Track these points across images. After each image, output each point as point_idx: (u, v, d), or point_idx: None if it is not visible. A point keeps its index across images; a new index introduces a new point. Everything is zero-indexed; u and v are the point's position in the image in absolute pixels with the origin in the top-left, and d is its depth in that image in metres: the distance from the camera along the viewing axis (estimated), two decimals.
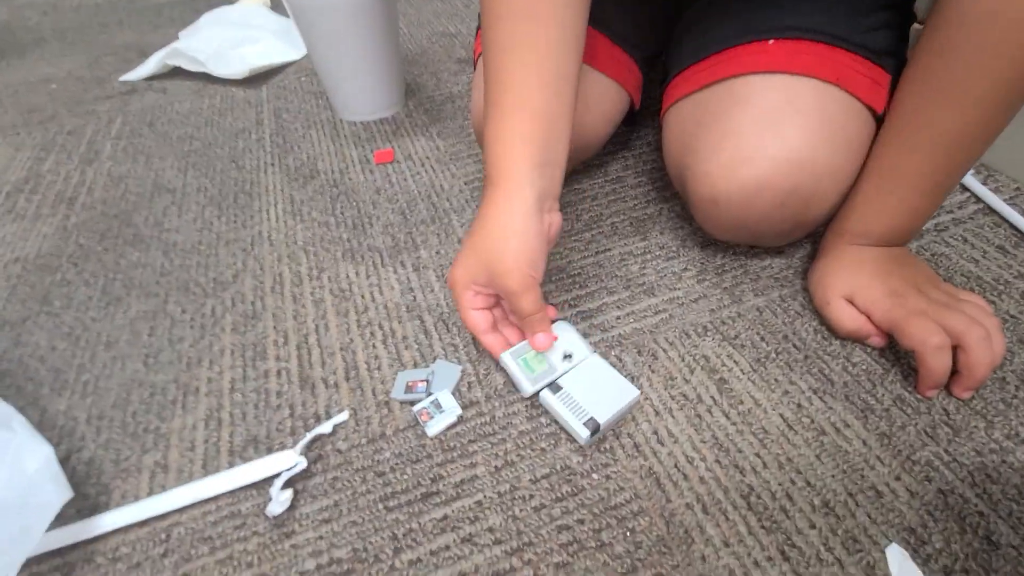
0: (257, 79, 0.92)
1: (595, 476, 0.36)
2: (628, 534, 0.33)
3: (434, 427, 0.39)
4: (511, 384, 0.42)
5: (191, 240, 0.60)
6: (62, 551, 0.35)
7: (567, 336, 0.43)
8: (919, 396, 0.40)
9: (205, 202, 0.66)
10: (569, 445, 0.38)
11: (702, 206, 0.45)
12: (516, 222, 0.38)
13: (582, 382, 0.39)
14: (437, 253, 0.55)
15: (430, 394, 0.41)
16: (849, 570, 0.31)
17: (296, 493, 0.37)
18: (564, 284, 0.50)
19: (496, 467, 0.37)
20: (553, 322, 0.43)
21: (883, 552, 0.32)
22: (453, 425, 0.40)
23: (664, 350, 0.44)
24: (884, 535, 0.33)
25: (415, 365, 0.44)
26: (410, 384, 0.42)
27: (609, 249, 0.54)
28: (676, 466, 0.37)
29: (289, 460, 0.37)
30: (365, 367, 0.45)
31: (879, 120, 0.43)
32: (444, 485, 0.37)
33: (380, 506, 0.36)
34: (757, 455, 0.37)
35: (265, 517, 0.35)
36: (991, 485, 0.35)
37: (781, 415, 0.39)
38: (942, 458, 0.36)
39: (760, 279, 0.50)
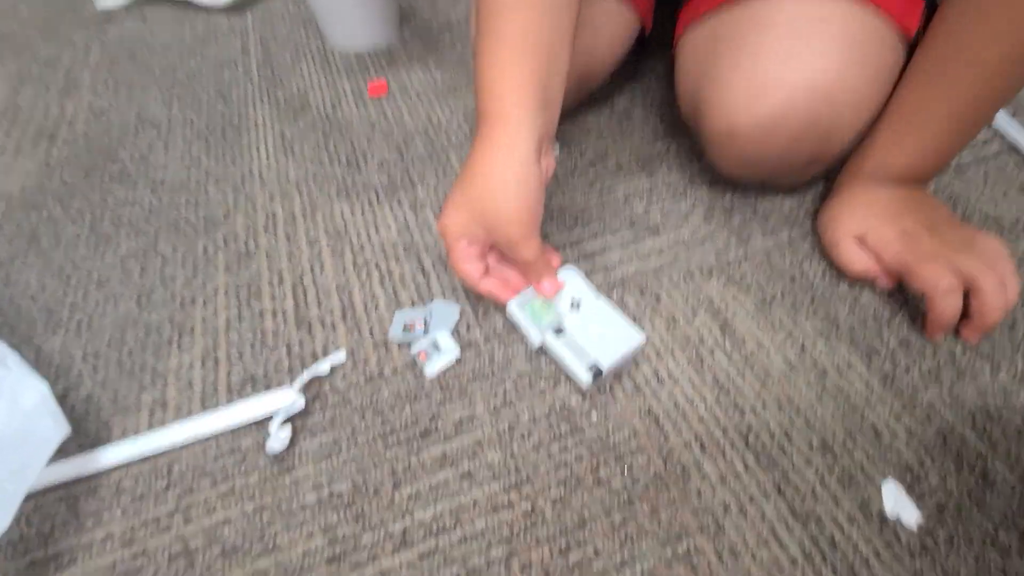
0: (241, 6, 0.86)
1: (594, 416, 0.36)
2: (625, 471, 0.34)
3: (432, 367, 0.39)
4: (510, 326, 0.41)
5: (179, 177, 0.58)
6: (66, 484, 0.35)
7: (574, 283, 0.41)
8: (926, 339, 0.39)
9: (192, 137, 0.63)
10: (568, 386, 0.38)
11: (717, 140, 0.43)
12: (515, 170, 0.36)
13: (586, 325, 0.38)
14: (435, 191, 0.53)
15: (428, 334, 0.41)
16: (844, 505, 0.32)
17: (295, 430, 0.37)
18: (566, 223, 0.49)
19: (495, 407, 0.37)
20: (559, 268, 0.42)
21: (878, 488, 0.32)
22: (452, 365, 0.39)
23: (667, 292, 0.43)
24: (880, 473, 0.33)
25: (413, 305, 0.44)
26: (408, 324, 0.42)
27: (614, 188, 0.51)
28: (675, 406, 0.36)
29: (287, 398, 0.37)
30: (362, 307, 0.44)
31: (911, 47, 0.40)
32: (443, 423, 0.37)
33: (379, 443, 0.36)
34: (758, 396, 0.37)
35: (265, 453, 0.36)
36: (992, 426, 0.34)
37: (784, 356, 0.39)
38: (944, 400, 0.36)
39: (769, 219, 0.48)
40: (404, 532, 0.32)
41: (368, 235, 0.50)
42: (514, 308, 0.40)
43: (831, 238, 0.43)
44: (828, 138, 0.41)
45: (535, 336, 0.38)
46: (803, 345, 0.39)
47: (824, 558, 0.30)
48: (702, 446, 0.35)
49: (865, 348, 0.39)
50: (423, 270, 0.46)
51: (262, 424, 0.37)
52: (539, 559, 0.31)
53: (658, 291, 0.43)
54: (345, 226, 0.51)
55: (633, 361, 0.39)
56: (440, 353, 0.39)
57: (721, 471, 0.33)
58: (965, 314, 0.37)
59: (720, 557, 0.30)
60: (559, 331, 0.38)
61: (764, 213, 0.49)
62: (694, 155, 0.54)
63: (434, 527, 0.32)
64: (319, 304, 0.45)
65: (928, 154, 0.41)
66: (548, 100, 0.37)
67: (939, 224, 0.41)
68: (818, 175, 0.48)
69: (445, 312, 0.42)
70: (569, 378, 0.38)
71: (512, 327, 0.41)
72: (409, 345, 0.41)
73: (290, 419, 0.37)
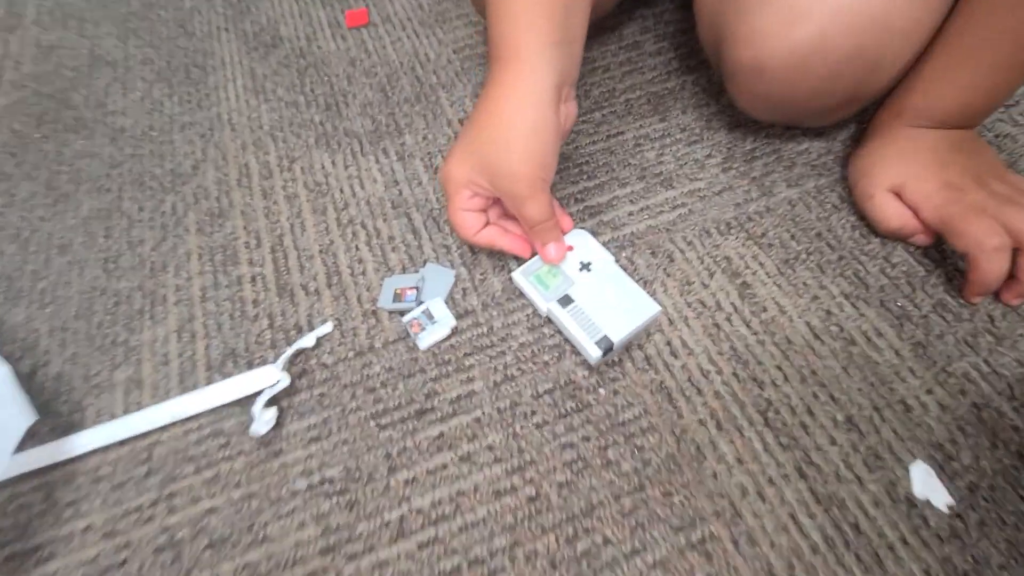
0: None
1: (602, 391, 0.34)
2: (636, 451, 0.32)
3: (426, 339, 0.36)
4: (510, 291, 0.38)
5: (141, 124, 0.52)
6: (41, 471, 0.33)
7: (585, 245, 0.37)
8: (963, 302, 0.36)
9: (152, 78, 0.56)
10: (574, 358, 0.35)
11: (742, 75, 0.37)
12: (528, 115, 0.31)
13: (596, 294, 0.35)
14: (424, 139, 0.48)
15: (421, 302, 0.37)
16: (869, 487, 0.30)
17: (281, 411, 0.34)
18: (569, 175, 0.44)
19: (495, 382, 0.34)
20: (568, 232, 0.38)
21: (906, 469, 0.30)
22: (447, 337, 0.36)
23: (681, 251, 0.39)
24: (909, 452, 0.31)
25: (403, 269, 0.40)
26: (398, 292, 0.38)
27: (622, 132, 0.46)
28: (690, 380, 0.34)
29: (271, 376, 0.34)
30: (348, 272, 0.40)
31: None
32: (439, 401, 0.34)
33: (372, 423, 0.33)
34: (778, 367, 0.34)
35: (250, 436, 0.33)
36: None
37: (808, 323, 0.36)
38: (980, 369, 0.33)
39: (794, 167, 0.43)
40: (401, 520, 0.30)
41: (352, 190, 0.45)
42: (519, 277, 0.36)
43: (864, 190, 0.39)
44: (873, 71, 0.35)
45: (542, 305, 0.35)
46: (829, 310, 0.36)
47: (847, 544, 0.28)
48: (718, 424, 0.32)
49: (896, 312, 0.36)
50: (413, 230, 0.42)
51: (246, 403, 0.34)
52: (545, 548, 0.29)
53: (671, 251, 0.39)
54: (327, 179, 0.46)
55: (646, 332, 0.36)
56: (434, 324, 0.36)
57: (738, 451, 0.31)
58: (1009, 275, 0.34)
59: (737, 544, 0.29)
60: (567, 301, 0.35)
61: (789, 159, 0.44)
62: (712, 93, 0.48)
63: (433, 515, 0.30)
64: (301, 269, 0.41)
65: (979, 91, 0.36)
66: (569, 38, 0.32)
67: (986, 173, 0.36)
68: (850, 117, 0.43)
69: (439, 278, 0.39)
70: (575, 349, 0.35)
71: (512, 293, 0.38)
72: (401, 315, 0.38)
73: (275, 399, 0.34)
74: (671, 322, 0.36)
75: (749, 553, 0.28)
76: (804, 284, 0.37)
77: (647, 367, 0.34)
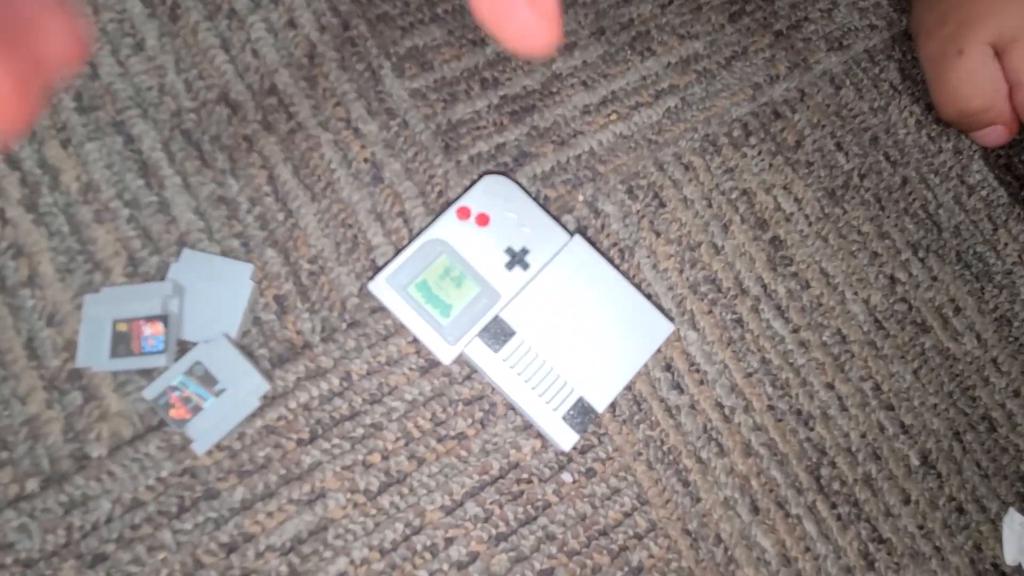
0: None
1: (566, 476, 0.19)
2: (634, 574, 0.19)
3: (208, 432, 0.17)
4: (372, 299, 0.19)
5: None
6: None
7: (508, 208, 0.19)
8: None
9: None
10: (512, 419, 0.19)
11: None
12: None
13: (555, 315, 0.18)
14: None
15: (178, 349, 0.18)
16: (950, 560, 0.20)
17: None
18: (463, 38, 0.22)
19: (368, 490, 0.18)
20: (480, 178, 0.19)
21: (994, 523, 0.21)
22: (253, 414, 0.18)
23: (675, 184, 0.23)
24: (996, 494, 0.21)
25: (125, 274, 0.19)
26: (124, 330, 0.17)
27: None
28: (706, 430, 0.20)
29: None
30: None
31: None
32: (257, 555, 0.17)
33: None
34: (830, 386, 0.21)
35: None
36: None
37: (866, 302, 0.23)
38: None
39: (836, 12, 0.26)
40: None
41: None
42: (381, 288, 0.18)
43: (949, 37, 0.24)
44: None
45: (440, 350, 0.18)
46: (893, 276, 0.23)
47: None
48: (754, 505, 0.20)
49: (976, 270, 0.24)
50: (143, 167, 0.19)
51: None
52: None
53: (660, 185, 0.22)
54: None
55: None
56: (222, 397, 0.17)
57: (783, 543, 0.20)
58: None
59: None
60: (497, 333, 0.18)
61: (826, 4, 0.26)
62: None
63: None
64: None
65: None
66: None
67: None
68: None
69: (217, 285, 0.18)
70: (509, 408, 0.19)
71: (378, 305, 0.19)
72: (141, 383, 0.18)
73: None
74: (671, 320, 0.21)
75: None
76: (860, 233, 0.23)
77: (638, 415, 0.20)
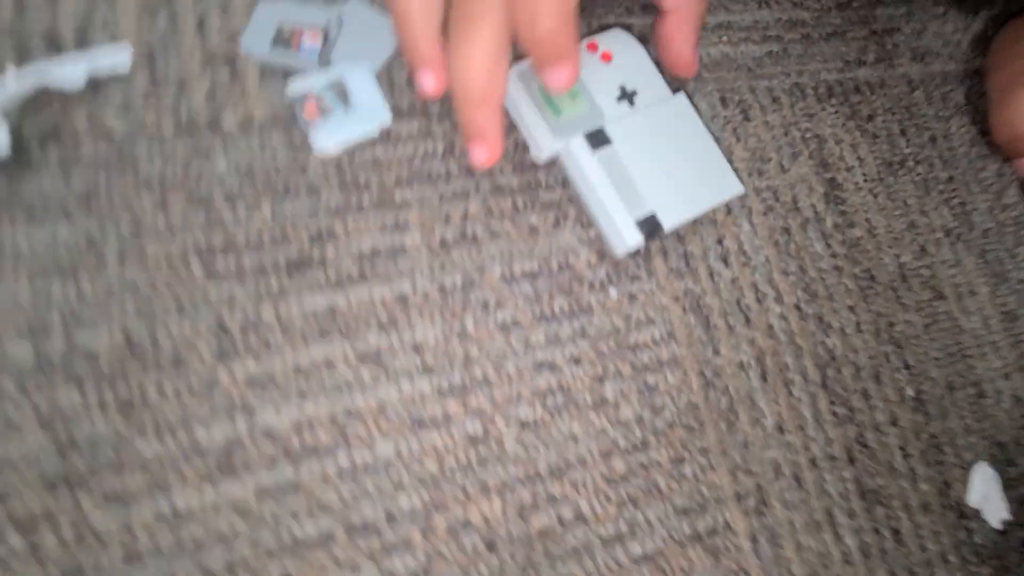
0: None
1: (612, 293, 0.21)
2: (645, 392, 0.20)
3: (329, 136, 0.19)
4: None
5: None
6: None
7: (629, 56, 0.22)
8: None
9: None
10: (581, 232, 0.21)
11: None
12: None
13: (648, 143, 0.21)
14: None
15: (328, 64, 0.20)
16: (921, 487, 0.22)
17: None
18: None
19: (443, 240, 0.20)
20: (599, 30, 0.21)
21: (965, 469, 0.23)
22: (371, 142, 0.20)
23: (762, 107, 0.26)
24: (972, 449, 0.23)
25: None
26: (286, 31, 0.20)
27: None
28: (739, 303, 0.22)
29: None
30: None
31: None
32: (336, 251, 0.19)
33: (195, 264, 0.18)
34: (851, 309, 0.24)
35: None
36: None
37: (898, 258, 0.25)
38: None
39: (925, 34, 0.30)
40: (230, 445, 0.16)
41: None
42: (515, 79, 0.20)
43: (1018, 70, 0.27)
44: None
45: (544, 141, 0.20)
46: (924, 247, 0.26)
47: (883, 554, 0.21)
48: (763, 373, 0.22)
49: (995, 268, 0.27)
50: None
51: None
52: (481, 519, 0.18)
53: (749, 104, 0.25)
54: None
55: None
56: (349, 111, 0.20)
57: (782, 415, 0.21)
58: None
59: (755, 543, 0.20)
60: (600, 141, 0.20)
61: (920, 22, 0.30)
62: None
63: (294, 443, 0.17)
64: None
65: None
66: None
67: None
68: None
69: (370, 30, 0.21)
70: (586, 219, 0.21)
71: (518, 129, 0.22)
72: (285, 77, 0.20)
73: None
74: (729, 211, 0.23)
75: (768, 556, 0.20)
76: (905, 203, 0.26)
77: (684, 270, 0.22)
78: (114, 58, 0.18)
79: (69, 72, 0.17)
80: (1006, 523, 0.23)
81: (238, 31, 0.20)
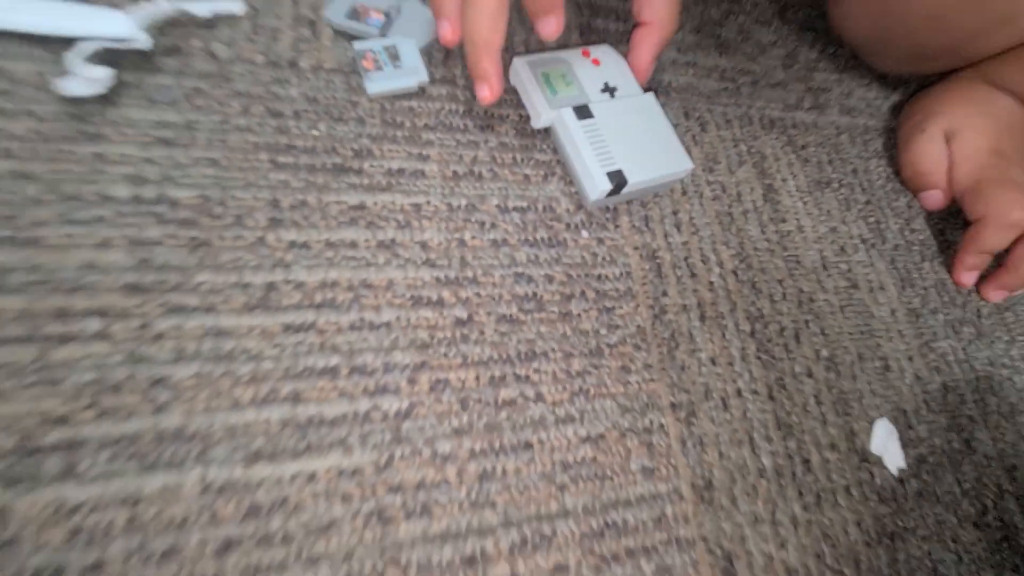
0: None
1: (584, 234, 0.26)
2: (604, 313, 0.25)
3: (380, 83, 0.25)
4: (506, 83, 0.28)
5: None
6: None
7: (613, 65, 0.28)
8: (959, 288, 0.33)
9: None
10: (563, 186, 0.27)
11: None
12: None
13: (621, 122, 0.26)
14: None
15: (387, 36, 0.26)
16: (830, 430, 0.26)
17: (121, 84, 0.22)
18: None
19: (455, 172, 0.25)
20: (601, 42, 0.28)
21: (870, 423, 0.27)
22: (409, 94, 0.26)
23: (717, 125, 0.32)
24: (877, 408, 0.27)
25: None
26: (360, 8, 0.26)
27: None
28: (687, 260, 0.27)
29: (118, 25, 0.22)
30: None
31: None
32: (371, 166, 0.24)
33: (263, 156, 0.22)
34: (780, 283, 0.29)
35: (52, 94, 0.21)
36: (990, 396, 0.30)
37: (820, 252, 0.31)
38: (958, 355, 0.31)
39: (852, 96, 0.38)
40: (269, 289, 0.20)
41: None
42: (520, 67, 0.26)
43: (919, 123, 0.34)
44: (1001, 25, 0.30)
45: (542, 110, 0.26)
46: (843, 248, 0.31)
47: (794, 476, 0.24)
48: (703, 316, 0.26)
49: (903, 274, 0.32)
50: None
51: (60, 48, 0.21)
52: (459, 382, 0.21)
53: (706, 120, 0.32)
54: None
55: (656, 194, 0.28)
56: (397, 68, 0.25)
57: (715, 351, 0.26)
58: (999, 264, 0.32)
59: (684, 445, 0.23)
60: (585, 113, 0.26)
61: (849, 87, 0.38)
62: None
63: (318, 297, 0.21)
64: None
65: None
66: None
67: None
68: (931, 74, 0.38)
69: (418, 18, 0.27)
70: (568, 177, 0.27)
71: (510, 89, 0.28)
72: (351, 39, 0.26)
73: (115, 60, 0.22)
74: (684, 192, 0.29)
75: (695, 458, 0.23)
76: (828, 213, 0.32)
77: (644, 228, 0.27)
78: (231, 4, 0.24)
79: (199, 8, 0.23)
80: (902, 471, 0.26)
81: (322, 4, 0.26)
